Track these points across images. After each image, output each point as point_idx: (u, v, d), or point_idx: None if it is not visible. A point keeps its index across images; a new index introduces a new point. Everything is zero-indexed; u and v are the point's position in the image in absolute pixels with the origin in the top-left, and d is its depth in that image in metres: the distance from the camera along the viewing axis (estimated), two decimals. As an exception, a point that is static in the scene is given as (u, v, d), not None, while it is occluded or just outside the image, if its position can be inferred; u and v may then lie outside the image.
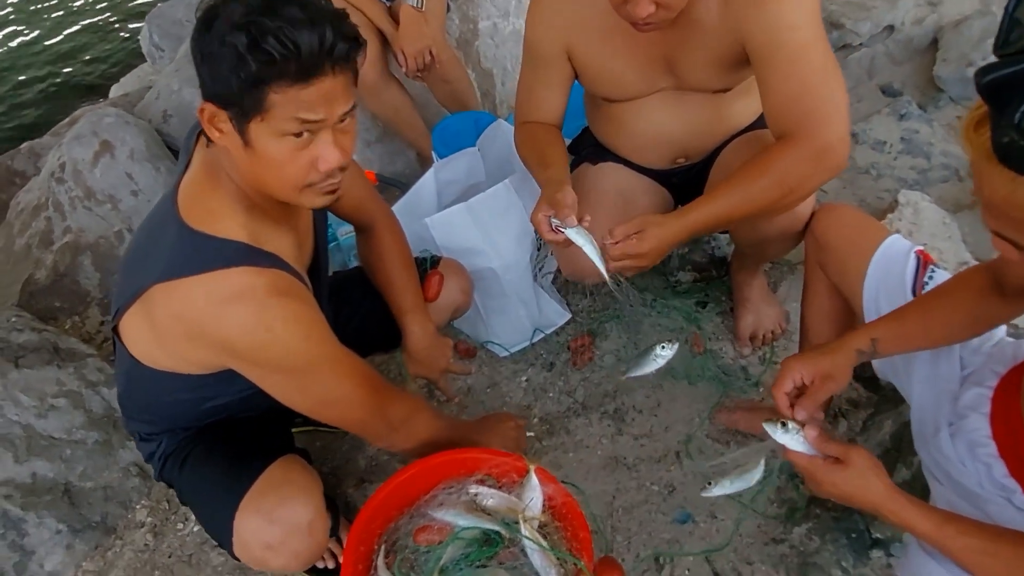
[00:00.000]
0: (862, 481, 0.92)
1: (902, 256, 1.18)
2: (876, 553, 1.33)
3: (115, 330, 1.09)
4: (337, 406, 1.08)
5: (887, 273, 1.17)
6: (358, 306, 1.42)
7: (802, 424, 0.98)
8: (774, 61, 1.15)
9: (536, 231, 1.28)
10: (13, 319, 1.73)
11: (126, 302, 1.02)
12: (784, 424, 0.98)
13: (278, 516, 1.09)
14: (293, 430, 1.46)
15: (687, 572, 1.38)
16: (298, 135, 0.88)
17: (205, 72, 0.88)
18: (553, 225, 1.22)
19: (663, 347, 1.18)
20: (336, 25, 0.86)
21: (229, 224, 0.96)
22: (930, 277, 1.15)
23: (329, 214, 1.31)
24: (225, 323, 0.93)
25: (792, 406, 1.01)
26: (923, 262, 1.17)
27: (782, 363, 1.04)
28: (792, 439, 0.97)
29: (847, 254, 1.23)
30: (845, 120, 1.14)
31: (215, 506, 1.13)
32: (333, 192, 0.98)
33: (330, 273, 1.42)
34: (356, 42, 0.89)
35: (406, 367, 1.42)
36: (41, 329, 1.74)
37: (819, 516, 1.39)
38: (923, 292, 1.13)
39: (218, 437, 1.21)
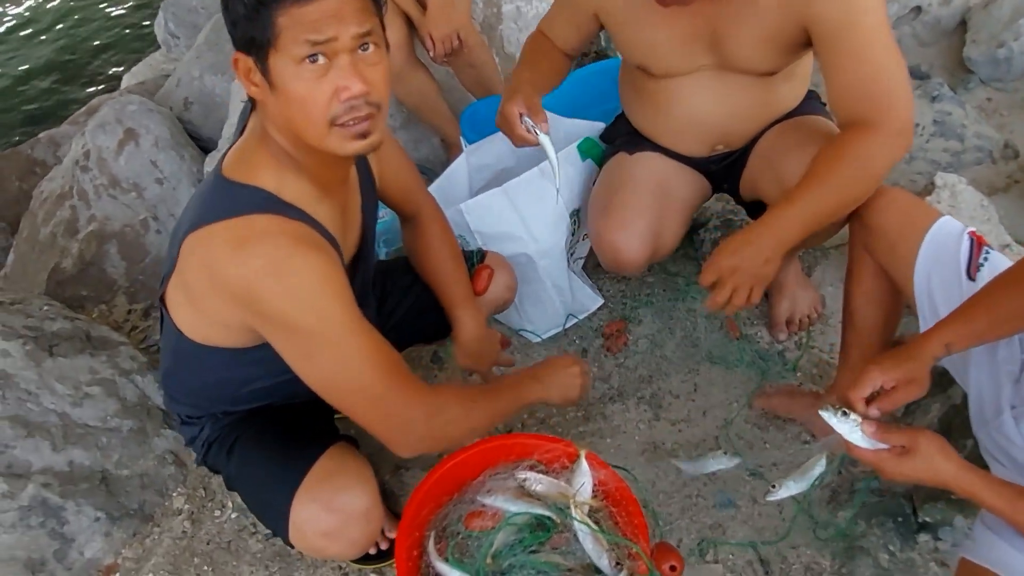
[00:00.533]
0: (930, 465, 0.92)
1: (954, 238, 1.16)
2: (923, 537, 1.32)
3: (162, 301, 1.09)
4: (345, 386, 0.98)
5: (939, 255, 1.16)
6: (404, 295, 1.40)
7: (861, 416, 0.97)
8: (847, 43, 1.13)
9: (504, 121, 1.34)
10: (45, 308, 1.73)
11: (169, 268, 1.02)
12: (845, 413, 0.97)
13: (336, 505, 1.08)
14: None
15: (731, 556, 1.38)
16: (313, 59, 0.85)
17: (227, 20, 0.89)
18: (528, 126, 1.31)
19: (727, 455, 1.20)
20: None
21: (264, 176, 0.96)
22: (985, 258, 1.13)
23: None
24: (242, 266, 0.90)
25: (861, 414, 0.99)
26: (977, 243, 1.15)
27: (861, 372, 1.01)
28: (848, 427, 0.96)
29: (897, 236, 1.21)
30: (912, 100, 1.15)
31: (269, 494, 1.13)
32: (365, 136, 0.91)
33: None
34: None
35: (456, 359, 1.41)
36: (73, 318, 1.74)
37: (864, 500, 1.38)
38: (978, 274, 1.12)
39: (265, 423, 1.20)
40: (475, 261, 1.45)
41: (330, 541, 1.09)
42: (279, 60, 0.86)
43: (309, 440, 1.17)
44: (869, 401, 1.00)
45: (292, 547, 1.15)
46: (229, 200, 0.94)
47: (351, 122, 0.89)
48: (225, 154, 1.02)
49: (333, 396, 1.00)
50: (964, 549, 1.03)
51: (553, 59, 1.49)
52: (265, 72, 0.88)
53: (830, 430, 1.17)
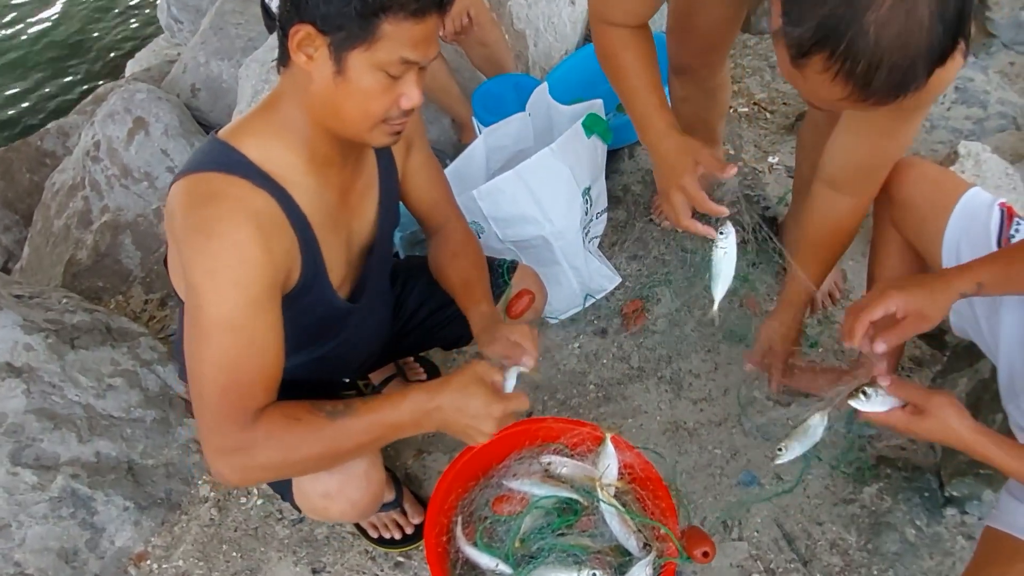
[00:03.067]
0: (943, 426, 0.92)
1: (984, 209, 1.14)
2: (950, 511, 1.32)
3: (165, 266, 1.11)
4: (193, 373, 0.91)
5: (969, 227, 1.14)
6: (427, 298, 1.37)
7: (878, 385, 0.95)
8: (897, 121, 1.09)
9: (671, 206, 1.16)
10: (64, 300, 1.73)
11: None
12: (864, 393, 0.96)
13: (336, 466, 1.05)
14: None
15: (756, 534, 1.38)
16: (393, 75, 0.89)
17: None
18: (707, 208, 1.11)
19: (821, 418, 1.09)
20: None
21: (249, 141, 0.95)
22: (1016, 229, 1.11)
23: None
24: (184, 220, 0.90)
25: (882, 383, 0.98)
26: (1008, 214, 1.13)
27: (879, 290, 0.99)
28: (877, 404, 0.95)
29: (925, 209, 1.19)
30: None
31: None
32: (399, 133, 0.97)
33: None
34: None
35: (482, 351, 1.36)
36: (92, 310, 1.74)
37: (889, 476, 1.38)
38: (1010, 245, 1.10)
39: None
40: (504, 273, 1.36)
41: (330, 501, 1.09)
42: (363, 57, 0.87)
43: None
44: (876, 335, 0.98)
45: (299, 510, 1.17)
46: (206, 156, 0.94)
47: (397, 124, 0.94)
48: None
49: (189, 383, 0.93)
50: (989, 518, 1.03)
51: (649, 52, 1.24)
52: (339, 59, 0.88)
53: (846, 405, 1.17)
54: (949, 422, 0.92)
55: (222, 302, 0.88)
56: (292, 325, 0.97)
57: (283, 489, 1.15)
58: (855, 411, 0.97)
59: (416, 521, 1.41)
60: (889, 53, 0.76)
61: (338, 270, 1.08)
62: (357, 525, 1.47)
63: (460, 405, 0.93)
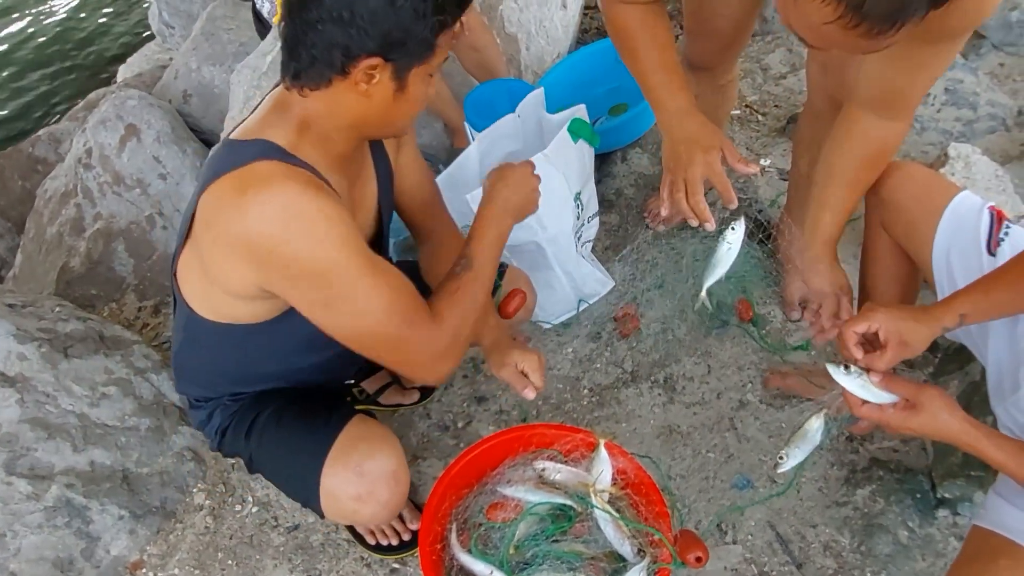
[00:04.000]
0: (935, 420, 0.94)
1: (974, 213, 1.14)
2: (942, 512, 1.33)
3: (174, 277, 1.10)
4: (366, 332, 0.96)
5: (959, 230, 1.15)
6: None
7: (865, 369, 0.97)
8: (931, 50, 1.02)
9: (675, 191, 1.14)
10: (57, 309, 1.73)
11: (180, 240, 1.03)
12: (847, 367, 0.97)
13: (366, 468, 1.11)
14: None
15: (750, 537, 1.39)
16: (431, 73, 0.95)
17: (380, 23, 0.86)
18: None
19: (819, 422, 1.09)
20: None
21: (273, 132, 0.95)
22: (1005, 234, 1.12)
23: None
24: (246, 214, 0.88)
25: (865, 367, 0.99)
26: (997, 218, 1.14)
27: (864, 308, 1.01)
28: (854, 382, 0.96)
29: (915, 212, 1.20)
30: None
31: (298, 468, 1.15)
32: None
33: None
34: None
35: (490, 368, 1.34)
36: (85, 318, 1.74)
37: (882, 478, 1.39)
38: (998, 249, 1.11)
39: (281, 403, 1.21)
40: (497, 276, 1.36)
41: (361, 504, 1.12)
42: (419, 71, 0.93)
43: (329, 414, 1.18)
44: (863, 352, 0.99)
45: (324, 516, 1.19)
46: (234, 155, 0.93)
47: None
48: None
49: (354, 343, 0.98)
50: (976, 517, 1.04)
51: (664, 29, 1.20)
52: (401, 79, 0.92)
53: (844, 408, 1.16)
54: (941, 415, 0.93)
55: (340, 260, 0.90)
56: (309, 324, 0.98)
57: (307, 495, 1.15)
58: (851, 404, 0.98)
59: (414, 527, 1.42)
60: None
61: None
62: (353, 531, 1.47)
63: (513, 185, 1.16)
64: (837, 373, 0.97)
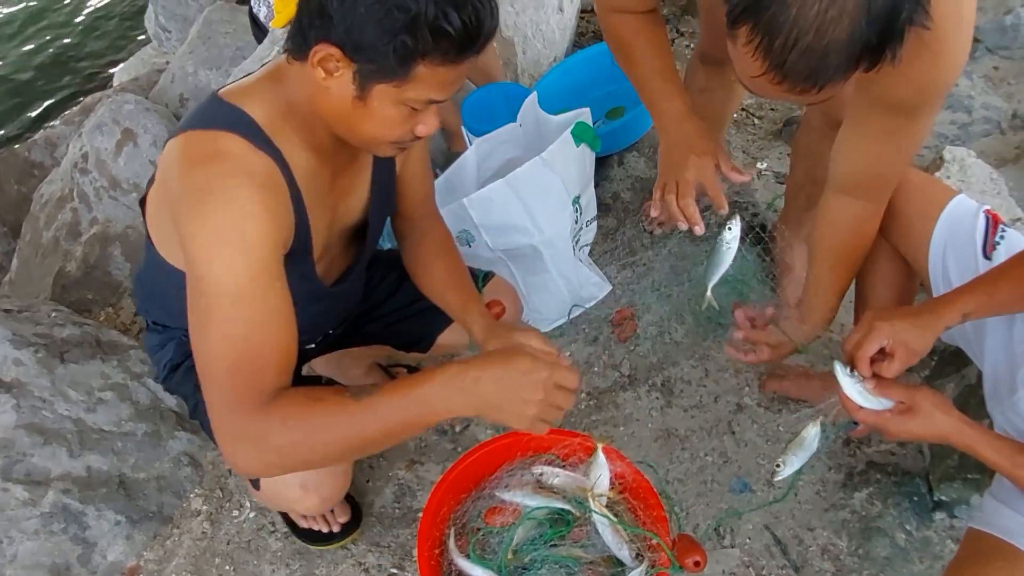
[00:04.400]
0: (931, 421, 0.94)
1: (970, 216, 1.15)
2: (939, 515, 1.33)
3: (142, 204, 1.07)
4: (199, 349, 0.83)
5: (955, 234, 1.15)
6: (393, 292, 1.36)
7: (865, 376, 0.98)
8: (900, 125, 1.03)
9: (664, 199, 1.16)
10: (53, 314, 1.72)
11: (153, 173, 1.01)
12: (852, 369, 0.98)
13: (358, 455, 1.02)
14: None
15: (748, 541, 1.39)
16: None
17: (347, 18, 0.80)
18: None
19: (815, 428, 1.10)
20: (492, 5, 0.83)
21: (255, 105, 0.91)
22: (1001, 237, 1.12)
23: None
24: (183, 179, 0.85)
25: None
26: (993, 222, 1.14)
27: (867, 323, 1.00)
28: (854, 387, 0.98)
29: (911, 216, 1.20)
30: None
31: None
32: (404, 149, 0.99)
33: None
34: (495, 16, 0.85)
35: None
36: (81, 323, 1.73)
37: (879, 481, 1.39)
38: (994, 252, 1.11)
39: None
40: (479, 282, 1.37)
41: (305, 493, 1.11)
42: (389, 91, 0.84)
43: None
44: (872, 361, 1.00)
45: (255, 490, 1.17)
46: (210, 114, 0.91)
47: (407, 144, 0.95)
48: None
49: (196, 365, 0.84)
50: (971, 520, 1.04)
51: (661, 36, 1.22)
52: (363, 87, 0.84)
53: (842, 414, 1.16)
54: (936, 416, 0.94)
55: (228, 269, 0.81)
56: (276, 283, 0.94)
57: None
58: (848, 408, 0.99)
59: (343, 520, 1.43)
60: (805, 33, 0.75)
61: (317, 250, 1.06)
62: (285, 516, 1.49)
63: (502, 375, 0.81)
64: (843, 374, 0.98)
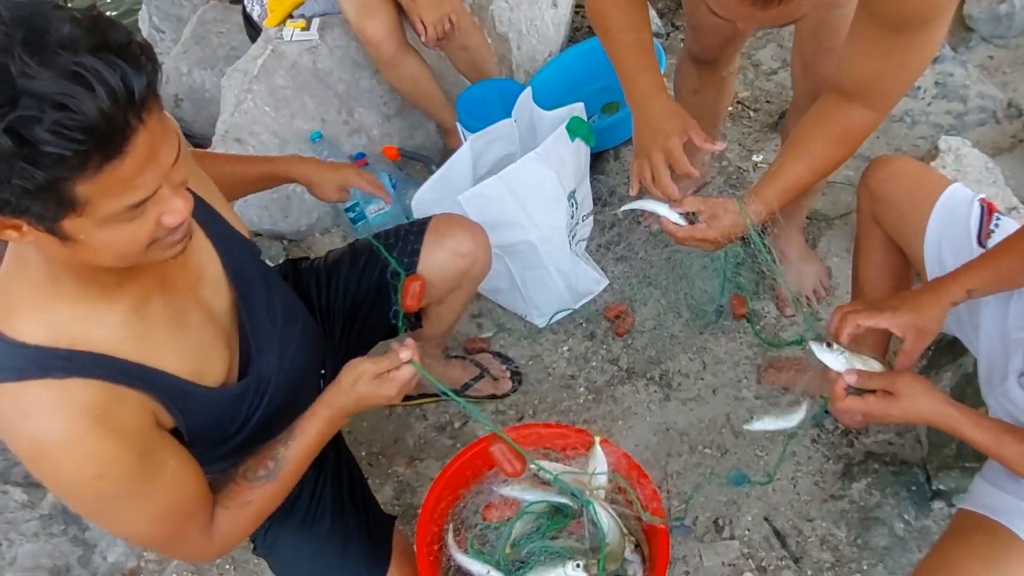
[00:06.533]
0: (914, 404, 0.94)
1: (965, 205, 1.15)
2: (938, 504, 1.34)
3: None
4: (136, 540, 0.99)
5: (950, 223, 1.15)
6: (348, 285, 1.29)
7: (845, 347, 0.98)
8: (906, 36, 0.97)
9: (640, 173, 1.15)
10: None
11: None
12: (829, 344, 0.98)
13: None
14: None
15: (747, 532, 1.39)
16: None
17: None
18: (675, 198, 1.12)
19: (804, 408, 1.10)
20: (117, 52, 0.60)
21: (26, 320, 0.75)
22: (996, 225, 1.12)
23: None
24: (14, 444, 0.76)
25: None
26: (987, 210, 1.14)
27: (869, 304, 1.00)
28: (836, 359, 0.98)
29: (906, 205, 1.20)
30: None
31: None
32: (183, 239, 0.77)
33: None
34: (151, 61, 0.64)
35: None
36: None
37: (877, 471, 1.39)
38: (989, 240, 1.11)
39: (309, 501, 1.14)
40: (400, 275, 1.25)
41: None
42: (80, 222, 0.67)
43: (368, 547, 1.13)
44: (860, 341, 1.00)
45: None
46: None
47: (175, 237, 0.77)
48: None
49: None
50: (961, 502, 1.05)
51: (639, 11, 1.18)
52: (53, 231, 0.68)
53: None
54: (920, 400, 0.94)
55: (101, 496, 0.79)
56: (225, 431, 0.95)
57: None
58: (833, 396, 0.99)
59: None
60: None
61: (216, 355, 0.94)
62: None
63: (351, 381, 0.97)
64: (820, 351, 0.98)
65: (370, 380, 0.97)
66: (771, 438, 1.50)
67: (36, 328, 0.75)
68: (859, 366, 0.97)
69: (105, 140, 0.61)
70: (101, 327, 0.79)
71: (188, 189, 0.91)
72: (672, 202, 1.13)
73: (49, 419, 0.74)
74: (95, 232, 0.67)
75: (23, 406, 0.74)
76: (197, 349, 0.90)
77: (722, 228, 1.10)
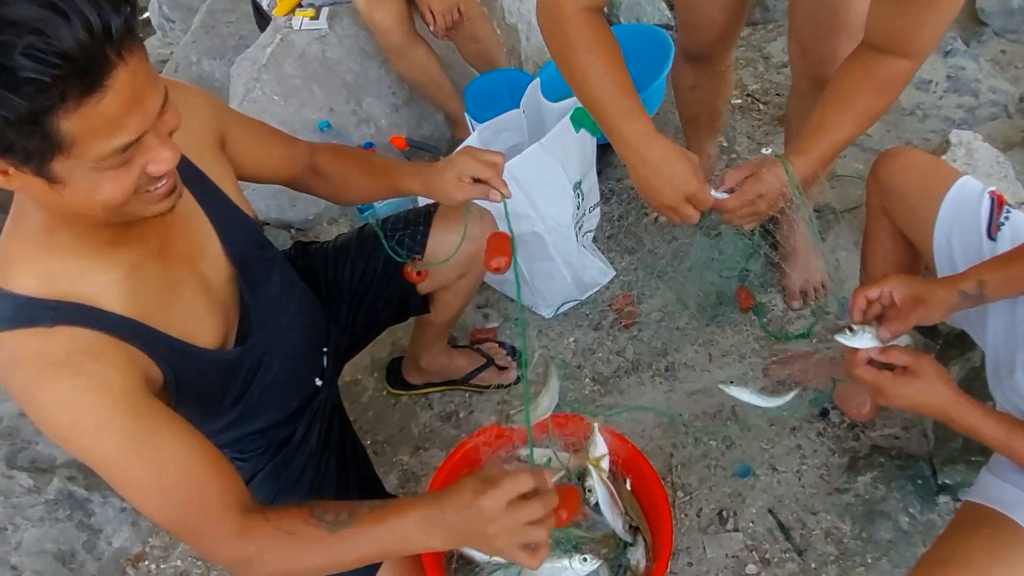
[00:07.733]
0: (931, 389, 0.94)
1: (975, 198, 1.14)
2: (943, 498, 1.33)
3: None
4: (149, 515, 0.83)
5: (960, 215, 1.14)
6: (353, 271, 1.29)
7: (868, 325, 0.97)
8: None
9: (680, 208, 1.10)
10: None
11: None
12: (851, 329, 0.98)
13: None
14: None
15: (751, 524, 1.39)
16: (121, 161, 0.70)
17: None
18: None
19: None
20: None
21: (21, 272, 0.77)
22: (1005, 218, 1.11)
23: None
24: (10, 391, 0.78)
25: (874, 319, 1.00)
26: (997, 203, 1.13)
27: (884, 276, 1.01)
28: (862, 340, 0.97)
29: (916, 197, 1.19)
30: None
31: None
32: (171, 193, 0.78)
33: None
34: (129, 4, 0.65)
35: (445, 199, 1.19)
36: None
37: (883, 464, 1.38)
38: (999, 233, 1.10)
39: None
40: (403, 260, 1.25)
41: None
42: (68, 164, 0.69)
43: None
44: (880, 320, 0.99)
45: None
46: None
47: (160, 188, 0.77)
48: None
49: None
50: (968, 495, 1.04)
51: (616, 51, 1.09)
52: (41, 173, 0.70)
53: (846, 400, 1.14)
54: (936, 384, 0.94)
55: (99, 453, 0.77)
56: (218, 399, 0.92)
57: None
58: (849, 365, 0.99)
59: None
60: None
61: (210, 324, 0.93)
62: None
63: (468, 517, 0.77)
64: (844, 338, 0.97)
65: (513, 529, 0.75)
66: (777, 431, 1.50)
67: (29, 279, 0.77)
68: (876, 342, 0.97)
69: (82, 69, 0.62)
70: (93, 283, 0.80)
71: (201, 172, 0.94)
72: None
73: (24, 366, 0.75)
74: (84, 177, 0.69)
75: (13, 354, 0.76)
76: (190, 314, 0.90)
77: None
